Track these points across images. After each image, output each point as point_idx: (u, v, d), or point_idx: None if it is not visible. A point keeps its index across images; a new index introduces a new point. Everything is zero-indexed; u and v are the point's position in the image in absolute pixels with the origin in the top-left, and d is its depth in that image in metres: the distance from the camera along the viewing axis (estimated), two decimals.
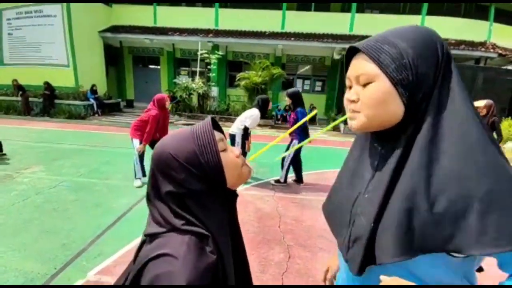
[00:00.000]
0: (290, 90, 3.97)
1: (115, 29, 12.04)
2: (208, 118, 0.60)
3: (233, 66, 13.30)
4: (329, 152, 6.92)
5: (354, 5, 11.68)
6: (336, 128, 10.69)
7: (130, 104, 13.45)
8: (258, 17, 12.14)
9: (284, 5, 11.81)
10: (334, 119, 11.04)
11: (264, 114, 4.18)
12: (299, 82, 14.11)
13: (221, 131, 0.64)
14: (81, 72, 10.64)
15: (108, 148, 5.87)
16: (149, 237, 0.55)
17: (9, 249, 2.29)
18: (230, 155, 0.60)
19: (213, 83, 11.47)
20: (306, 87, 14.11)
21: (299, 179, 4.25)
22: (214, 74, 11.72)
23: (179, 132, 0.59)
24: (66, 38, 10.19)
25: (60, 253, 2.27)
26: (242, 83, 10.32)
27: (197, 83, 10.76)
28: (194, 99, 11.44)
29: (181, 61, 14.16)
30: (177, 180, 0.54)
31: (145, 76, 14.51)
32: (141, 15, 12.52)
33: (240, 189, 3.83)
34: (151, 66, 14.57)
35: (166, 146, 0.56)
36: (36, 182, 3.75)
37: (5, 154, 4.96)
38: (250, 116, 3.84)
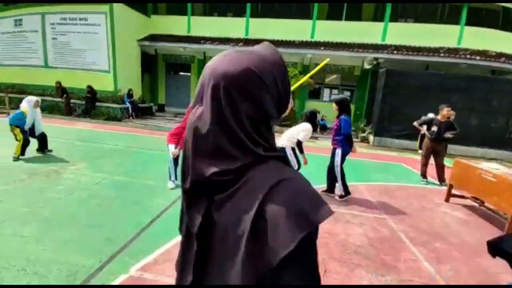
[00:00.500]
0: (338, 97, 4.01)
1: (152, 37, 12.77)
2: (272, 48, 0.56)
3: None
4: (357, 163, 6.70)
5: (387, 14, 11.42)
6: (364, 140, 10.38)
7: (161, 108, 14.07)
8: (288, 26, 12.27)
9: (315, 14, 11.84)
10: (363, 130, 10.73)
11: (315, 127, 4.09)
12: (326, 91, 13.97)
13: None
14: (120, 77, 11.35)
15: (142, 150, 6.16)
16: (226, 176, 0.46)
17: (55, 241, 2.44)
18: None
19: None
20: (334, 96, 13.91)
21: (330, 190, 4.17)
22: None
23: (253, 52, 0.52)
24: (109, 46, 10.97)
25: (104, 247, 2.39)
26: None
27: None
28: None
29: None
30: (257, 101, 0.48)
31: (176, 82, 15.16)
32: (176, 25, 13.18)
33: None
34: (182, 73, 15.20)
35: (247, 62, 0.48)
36: (81, 178, 4.01)
37: (51, 151, 5.39)
38: (303, 130, 3.75)
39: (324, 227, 3.11)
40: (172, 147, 3.81)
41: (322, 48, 11.04)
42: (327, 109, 12.36)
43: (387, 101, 9.55)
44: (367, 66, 11.31)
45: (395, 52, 10.55)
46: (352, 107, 13.34)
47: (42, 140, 5.17)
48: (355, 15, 12.67)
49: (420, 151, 8.96)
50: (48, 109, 11.14)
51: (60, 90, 10.96)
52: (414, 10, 12.65)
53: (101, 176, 4.15)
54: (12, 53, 12.46)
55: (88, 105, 10.72)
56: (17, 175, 3.96)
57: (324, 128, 11.90)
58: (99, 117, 10.69)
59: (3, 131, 6.62)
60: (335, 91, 13.86)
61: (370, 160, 7.08)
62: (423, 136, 8.95)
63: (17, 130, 4.71)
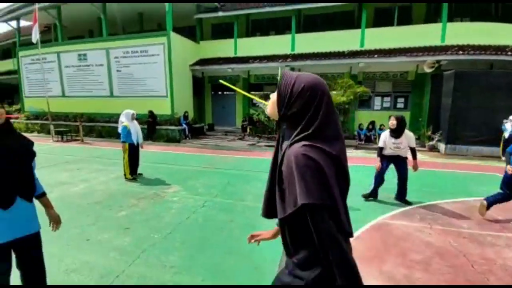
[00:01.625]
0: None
1: (202, 62, 13.44)
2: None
3: None
4: (448, 176, 6.09)
5: (444, 14, 10.78)
6: (433, 148, 9.58)
7: (211, 127, 14.53)
8: (334, 38, 12.14)
9: (363, 22, 11.59)
10: (430, 138, 9.93)
11: (400, 133, 3.94)
12: (377, 100, 13.35)
13: None
14: (176, 101, 12.00)
15: (220, 170, 6.23)
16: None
17: (206, 270, 2.41)
18: None
19: None
20: (386, 104, 13.25)
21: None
22: None
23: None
24: (166, 73, 11.72)
25: (260, 277, 2.29)
26: None
27: None
28: (273, 121, 11.73)
29: (255, 86, 14.90)
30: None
31: (222, 102, 15.66)
32: (223, 48, 13.78)
33: (385, 217, 3.54)
34: (226, 93, 15.70)
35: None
36: (185, 202, 4.10)
37: (141, 174, 5.67)
38: (411, 137, 3.93)
39: (475, 253, 2.73)
40: None
41: (375, 55, 10.67)
42: (379, 118, 11.78)
43: (458, 105, 8.81)
44: (427, 70, 10.63)
45: (460, 52, 9.80)
46: (407, 114, 12.58)
47: (135, 164, 5.47)
48: (405, 19, 12.20)
49: (503, 158, 8.02)
50: (114, 135, 12.07)
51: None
52: (469, 9, 11.84)
53: (202, 199, 4.20)
54: (78, 85, 13.86)
55: (150, 128, 11.40)
56: (126, 200, 4.16)
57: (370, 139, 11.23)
58: (160, 139, 11.29)
59: (89, 158, 7.21)
60: (387, 99, 13.21)
61: (458, 171, 6.42)
62: (507, 141, 8.02)
63: (126, 146, 5.13)
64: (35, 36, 11.20)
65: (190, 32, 13.88)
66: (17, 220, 1.46)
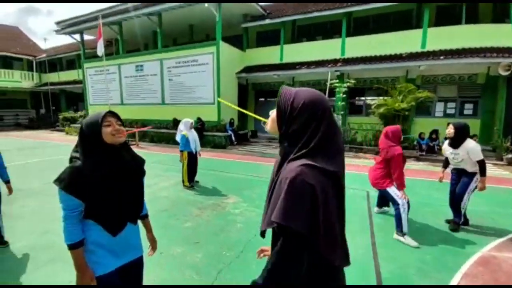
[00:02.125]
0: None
1: (248, 69, 13.55)
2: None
3: (353, 93, 12.65)
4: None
5: None
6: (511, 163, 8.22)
7: (254, 134, 14.51)
8: (389, 40, 11.29)
9: (425, 21, 10.58)
10: (509, 150, 8.57)
11: (457, 143, 3.44)
12: (439, 106, 12.02)
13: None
14: (222, 108, 12.21)
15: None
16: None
17: None
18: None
19: (341, 112, 11.04)
20: (450, 111, 11.86)
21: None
22: (339, 103, 11.36)
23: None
24: (214, 81, 12.02)
25: None
26: (381, 110, 9.42)
27: None
28: None
29: None
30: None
31: (265, 108, 15.56)
32: (268, 55, 13.74)
33: (489, 249, 2.96)
34: (269, 99, 15.60)
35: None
36: (247, 215, 3.93)
37: (198, 181, 5.70)
38: (472, 149, 3.31)
39: None
40: (392, 190, 3.23)
41: (441, 57, 9.60)
42: (441, 126, 10.54)
43: None
44: (502, 73, 9.26)
45: None
46: (477, 122, 11.10)
47: (193, 172, 5.52)
48: (472, 18, 10.88)
49: None
50: (164, 139, 12.69)
51: (176, 123, 12.34)
52: None
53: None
54: (134, 94, 14.95)
55: (198, 134, 11.70)
56: (189, 209, 4.14)
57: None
58: (207, 145, 11.54)
59: (147, 164, 7.50)
60: (451, 104, 11.82)
61: None
62: None
63: (185, 155, 5.15)
64: (101, 50, 12.35)
65: (237, 41, 14.13)
66: (125, 244, 1.36)
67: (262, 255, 1.25)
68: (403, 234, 3.18)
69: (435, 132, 10.35)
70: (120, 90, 15.27)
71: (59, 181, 1.21)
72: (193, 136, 5.39)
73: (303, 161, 0.80)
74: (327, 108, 0.87)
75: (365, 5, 11.38)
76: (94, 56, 18.01)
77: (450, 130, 3.38)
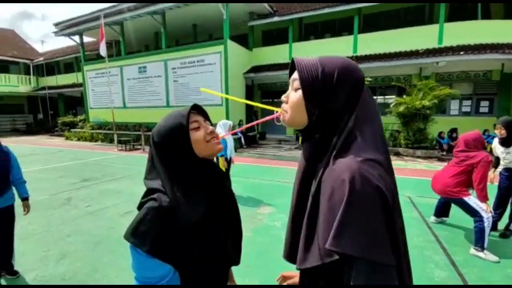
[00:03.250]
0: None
1: (256, 69, 13.12)
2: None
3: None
4: None
5: None
6: None
7: (262, 136, 14.05)
8: (403, 36, 10.94)
9: (442, 16, 10.25)
10: None
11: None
12: (454, 104, 11.67)
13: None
14: (230, 109, 11.75)
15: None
16: None
17: None
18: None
19: None
20: (466, 109, 11.53)
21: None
22: None
23: None
24: (222, 81, 11.56)
25: None
26: (400, 109, 9.02)
27: None
28: None
29: None
30: None
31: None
32: (276, 54, 13.32)
33: None
34: (276, 100, 15.16)
35: None
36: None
37: None
38: None
39: None
40: (472, 201, 2.78)
41: (461, 52, 9.25)
42: (457, 125, 10.20)
43: None
44: None
45: None
46: (493, 120, 10.75)
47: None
48: (485, 14, 10.60)
49: None
50: None
51: None
52: None
53: None
54: (136, 96, 14.42)
55: None
56: None
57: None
58: None
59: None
60: (467, 102, 11.49)
61: None
62: None
63: (222, 160, 4.42)
64: (103, 51, 11.84)
65: (242, 40, 13.69)
66: None
67: (285, 283, 0.93)
68: (483, 250, 2.73)
69: (455, 130, 9.98)
70: (122, 93, 14.73)
71: (138, 238, 0.70)
72: (230, 140, 4.72)
73: (358, 154, 0.56)
74: (364, 78, 0.66)
75: (376, 2, 11.04)
76: (93, 59, 17.49)
77: (502, 131, 3.05)
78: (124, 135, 13.18)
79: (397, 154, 9.29)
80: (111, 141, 13.35)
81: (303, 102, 0.64)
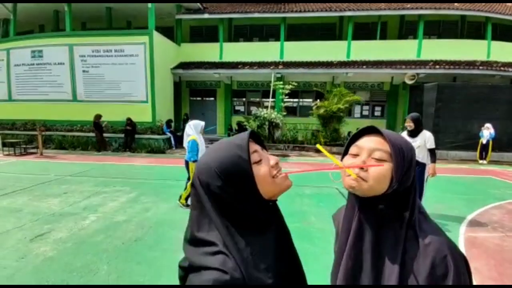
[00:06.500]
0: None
1: (184, 65, 12.44)
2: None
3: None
4: (453, 180, 6.47)
5: (420, 32, 11.93)
6: None
7: None
8: (321, 48, 12.45)
9: (349, 35, 12.13)
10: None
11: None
12: (357, 108, 14.04)
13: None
14: (157, 107, 10.79)
15: None
16: None
17: None
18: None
19: (284, 113, 11.43)
20: (365, 112, 14.03)
21: None
22: (280, 104, 11.79)
23: None
24: (147, 76, 10.47)
25: None
26: (321, 111, 10.23)
27: (271, 113, 10.73)
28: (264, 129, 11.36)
29: (238, 92, 14.42)
30: None
31: (201, 108, 14.74)
32: (206, 52, 13.00)
33: (463, 232, 3.44)
34: (206, 99, 14.86)
35: None
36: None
37: (188, 205, 4.68)
38: (430, 137, 3.70)
39: None
40: None
41: (364, 66, 11.17)
42: (360, 126, 12.31)
43: (440, 114, 9.71)
44: (408, 82, 11.49)
45: (437, 66, 10.87)
46: (383, 122, 13.51)
47: None
48: (382, 35, 13.18)
49: (481, 161, 9.05)
50: (81, 145, 10.25)
51: (96, 125, 10.01)
52: (437, 28, 13.39)
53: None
54: (29, 87, 11.55)
55: (128, 137, 9.96)
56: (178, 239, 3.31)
57: None
58: (140, 150, 9.94)
59: (69, 177, 5.88)
60: (366, 107, 13.99)
61: (451, 175, 6.91)
62: (484, 146, 9.08)
63: (193, 166, 3.85)
64: None
65: (167, 33, 12.76)
66: None
67: None
68: None
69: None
70: (7, 82, 11.49)
71: None
72: (202, 143, 4.17)
73: (439, 232, 0.66)
74: None
75: (297, 14, 12.19)
76: None
77: (410, 124, 3.69)
78: (11, 135, 10.33)
79: (318, 151, 10.49)
80: None
81: (390, 176, 0.66)
